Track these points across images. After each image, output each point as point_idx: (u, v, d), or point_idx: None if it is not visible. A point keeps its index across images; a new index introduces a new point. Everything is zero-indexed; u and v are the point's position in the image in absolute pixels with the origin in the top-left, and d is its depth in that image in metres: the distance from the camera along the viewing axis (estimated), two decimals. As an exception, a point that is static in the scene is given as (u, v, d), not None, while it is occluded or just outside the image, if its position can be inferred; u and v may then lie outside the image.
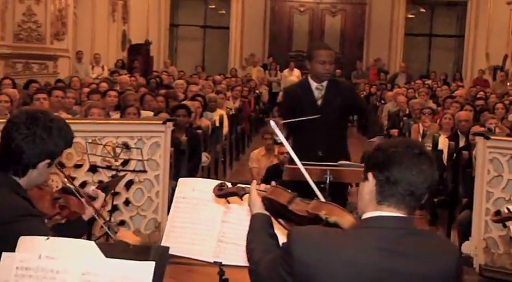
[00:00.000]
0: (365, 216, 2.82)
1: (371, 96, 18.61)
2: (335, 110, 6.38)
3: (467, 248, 7.40)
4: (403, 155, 2.75)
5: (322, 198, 3.34)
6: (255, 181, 3.34)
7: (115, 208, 6.99)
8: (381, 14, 24.71)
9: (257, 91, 20.06)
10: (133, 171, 6.92)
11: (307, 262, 2.72)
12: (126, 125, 7.43)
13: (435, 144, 10.06)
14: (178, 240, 4.15)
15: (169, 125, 7.23)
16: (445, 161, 9.54)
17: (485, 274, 6.98)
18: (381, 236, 2.73)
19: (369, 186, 2.78)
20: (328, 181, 5.67)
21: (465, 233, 7.46)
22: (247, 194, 3.28)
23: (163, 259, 2.86)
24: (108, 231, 3.68)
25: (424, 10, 25.72)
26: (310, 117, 6.13)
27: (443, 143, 9.81)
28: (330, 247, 2.76)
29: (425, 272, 2.72)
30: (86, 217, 3.88)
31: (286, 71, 22.91)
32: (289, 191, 3.19)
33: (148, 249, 2.94)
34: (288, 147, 4.18)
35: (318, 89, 6.42)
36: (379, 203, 2.77)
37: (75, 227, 3.82)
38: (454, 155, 9.07)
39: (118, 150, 6.68)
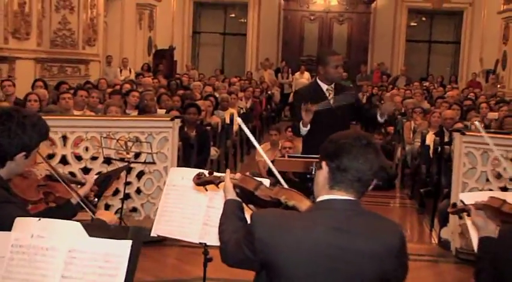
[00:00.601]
0: (318, 199, 2.86)
1: (373, 97, 18.56)
2: (346, 108, 6.47)
3: (445, 233, 7.44)
4: (351, 146, 2.79)
5: (285, 185, 3.37)
6: (228, 170, 3.37)
7: (127, 196, 7.08)
8: (384, 22, 24.56)
9: (269, 92, 20.07)
10: (144, 162, 6.99)
11: (266, 241, 2.76)
12: (137, 121, 7.51)
13: (423, 139, 10.09)
14: (169, 223, 4.21)
15: (177, 121, 7.28)
16: (431, 155, 9.57)
17: (461, 256, 7.00)
18: (332, 216, 2.77)
19: (322, 173, 2.81)
20: (313, 172, 5.71)
21: (444, 220, 7.49)
22: (222, 182, 3.32)
23: (139, 238, 2.91)
24: (93, 216, 3.70)
25: (424, 19, 25.58)
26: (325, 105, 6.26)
27: (430, 139, 9.82)
28: (286, 227, 2.79)
29: (372, 248, 2.74)
30: (74, 200, 3.91)
31: (297, 74, 22.82)
32: (257, 179, 3.26)
33: (126, 229, 3.00)
34: (252, 139, 4.19)
35: (328, 90, 6.46)
36: (330, 188, 2.80)
37: (63, 211, 3.82)
38: (439, 150, 9.07)
39: (130, 144, 6.75)
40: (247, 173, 3.42)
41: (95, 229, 2.91)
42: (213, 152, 9.59)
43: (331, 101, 6.42)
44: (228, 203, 3.19)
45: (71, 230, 2.89)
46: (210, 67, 24.36)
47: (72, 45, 16.83)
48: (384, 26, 24.63)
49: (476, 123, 4.89)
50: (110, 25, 19.54)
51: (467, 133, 7.20)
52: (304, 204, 3.00)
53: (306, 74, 22.87)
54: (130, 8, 20.02)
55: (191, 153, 8.46)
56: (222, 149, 10.54)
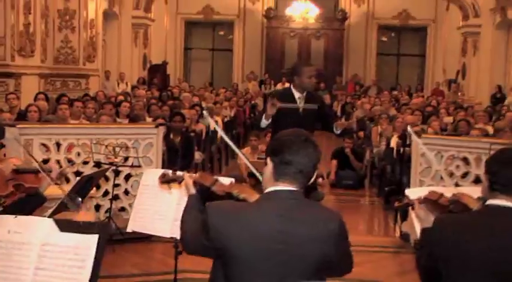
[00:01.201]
0: (266, 191, 2.89)
1: (346, 105, 18.60)
2: (312, 115, 6.47)
3: (405, 227, 7.45)
4: (292, 142, 2.84)
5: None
6: (185, 172, 3.42)
7: (116, 197, 7.06)
8: (357, 37, 24.70)
9: (253, 102, 20.08)
10: (131, 166, 6.97)
11: (219, 228, 2.78)
12: (124, 128, 7.51)
13: (388, 143, 10.14)
14: (143, 219, 4.21)
15: (161, 128, 7.28)
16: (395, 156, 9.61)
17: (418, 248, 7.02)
18: (277, 205, 2.80)
19: (268, 168, 2.86)
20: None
21: (405, 215, 7.49)
22: (184, 180, 3.33)
23: (105, 232, 2.92)
24: (68, 203, 3.69)
25: (393, 34, 25.67)
26: (291, 106, 6.27)
27: (394, 142, 9.86)
28: (236, 215, 2.83)
29: (312, 233, 2.76)
30: (42, 189, 3.90)
31: (279, 85, 22.83)
32: (214, 176, 3.29)
33: (93, 225, 2.99)
34: (224, 136, 4.21)
35: (299, 98, 6.44)
36: (275, 180, 2.83)
37: (31, 201, 3.80)
38: (401, 152, 9.10)
39: (118, 149, 6.73)
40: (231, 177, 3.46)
41: (66, 224, 2.91)
42: (198, 156, 9.57)
43: (301, 109, 6.40)
44: (189, 198, 3.20)
45: (44, 225, 2.90)
46: (200, 80, 24.41)
47: (74, 61, 16.83)
48: (357, 41, 24.76)
49: (409, 128, 4.91)
50: (108, 43, 19.53)
51: (423, 136, 7.23)
52: (254, 196, 3.03)
53: (287, 85, 22.88)
54: (127, 27, 20.01)
55: (176, 157, 8.44)
56: (206, 153, 10.53)
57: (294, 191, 2.83)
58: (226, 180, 3.35)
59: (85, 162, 6.95)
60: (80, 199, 4.36)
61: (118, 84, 18.52)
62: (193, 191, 3.22)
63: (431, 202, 3.31)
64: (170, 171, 3.51)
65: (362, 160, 11.69)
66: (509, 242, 2.85)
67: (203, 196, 3.21)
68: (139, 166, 6.94)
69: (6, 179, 3.96)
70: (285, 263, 2.76)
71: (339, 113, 19.54)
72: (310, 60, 24.57)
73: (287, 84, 22.65)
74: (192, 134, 9.53)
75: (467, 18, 18.97)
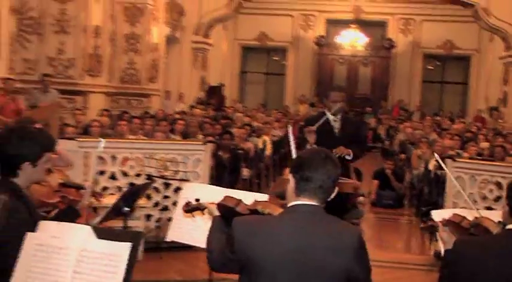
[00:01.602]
0: (288, 205, 2.90)
1: (390, 129, 18.39)
2: (346, 137, 6.27)
3: (438, 246, 7.29)
4: (312, 159, 2.86)
5: None
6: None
7: (166, 208, 7.10)
8: (403, 65, 24.46)
9: (301, 123, 19.96)
10: (180, 180, 7.00)
11: (243, 240, 2.81)
12: (175, 144, 7.56)
13: (426, 165, 9.99)
14: (181, 230, 4.21)
15: (209, 145, 7.31)
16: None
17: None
18: (298, 218, 2.82)
19: (291, 184, 2.88)
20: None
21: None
22: (206, 208, 3.42)
23: (137, 240, 2.91)
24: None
25: (438, 63, 25.33)
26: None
27: (432, 165, 9.70)
28: (260, 228, 2.85)
29: (332, 245, 2.76)
30: (80, 205, 3.92)
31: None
32: (237, 197, 3.30)
33: (127, 233, 3.01)
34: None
35: (334, 120, 6.27)
36: (297, 195, 2.85)
37: (71, 214, 3.76)
38: (438, 174, 8.95)
39: (168, 163, 6.78)
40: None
41: (103, 232, 2.93)
42: (245, 172, 9.58)
43: (336, 130, 6.26)
44: (213, 220, 3.27)
45: (83, 232, 2.93)
46: (255, 101, 24.38)
47: (137, 81, 17.01)
48: (403, 68, 24.50)
49: (435, 155, 4.83)
50: (170, 65, 19.72)
51: (456, 160, 7.09)
52: (277, 211, 3.08)
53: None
54: (187, 51, 20.19)
55: (224, 172, 8.46)
56: (254, 170, 10.52)
57: (314, 205, 2.84)
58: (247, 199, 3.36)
59: (138, 175, 7.00)
60: (126, 208, 4.38)
61: (177, 103, 18.63)
62: (216, 213, 3.28)
63: (454, 224, 3.26)
64: (193, 200, 3.52)
65: (402, 181, 11.53)
66: None
67: (229, 217, 3.21)
68: (187, 180, 6.95)
69: (54, 190, 4.03)
70: (306, 274, 2.75)
71: (383, 136, 19.36)
72: (358, 86, 24.61)
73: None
74: (241, 152, 9.54)
75: (509, 49, 18.59)
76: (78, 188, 4.15)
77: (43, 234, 2.94)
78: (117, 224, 4.59)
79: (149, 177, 6.90)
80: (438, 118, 20.00)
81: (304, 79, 24.99)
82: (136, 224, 6.51)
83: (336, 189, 2.95)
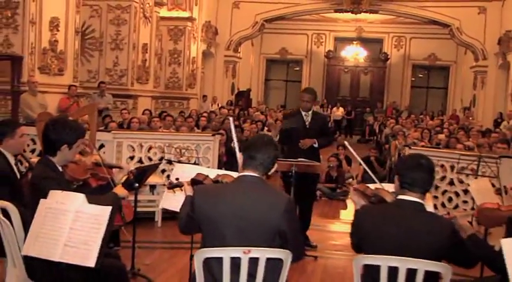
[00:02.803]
0: (237, 175, 3.04)
1: (382, 125, 18.32)
2: (315, 130, 6.33)
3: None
4: (256, 142, 3.00)
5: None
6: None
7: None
8: (396, 74, 24.33)
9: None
10: (194, 164, 7.11)
11: (200, 201, 2.95)
12: (189, 135, 7.65)
13: (399, 153, 9.98)
14: (168, 200, 4.36)
15: (217, 136, 7.43)
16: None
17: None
18: (242, 185, 2.94)
19: (240, 160, 3.03)
20: (293, 171, 5.78)
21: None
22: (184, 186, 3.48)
23: (116, 204, 3.10)
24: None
25: (424, 71, 25.10)
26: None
27: (406, 152, 9.67)
28: (213, 191, 3.02)
29: (267, 205, 2.86)
30: (116, 179, 4.05)
31: (334, 108, 22.76)
32: (205, 174, 3.45)
33: (109, 199, 3.19)
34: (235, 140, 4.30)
35: (306, 115, 6.32)
36: (244, 168, 2.98)
37: (105, 188, 3.87)
38: (405, 160, 8.95)
39: (183, 151, 6.92)
40: None
41: (92, 199, 3.11)
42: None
43: (307, 124, 6.32)
44: (186, 198, 3.29)
45: (79, 199, 3.09)
46: (276, 103, 24.53)
47: (179, 88, 17.31)
48: (396, 76, 24.33)
49: (345, 142, 4.86)
50: (206, 74, 19.95)
51: (412, 147, 7.14)
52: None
53: (340, 109, 22.78)
54: (220, 63, 20.36)
55: (234, 160, 8.57)
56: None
57: (256, 176, 2.95)
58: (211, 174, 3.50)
59: (160, 159, 7.14)
60: (137, 184, 4.53)
61: (212, 105, 18.84)
62: (189, 193, 3.30)
63: (360, 192, 3.35)
64: (175, 181, 3.66)
65: (384, 166, 11.54)
66: (410, 227, 2.85)
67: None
68: (199, 164, 7.08)
69: (87, 168, 4.22)
70: (245, 228, 2.85)
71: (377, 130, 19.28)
72: (359, 91, 24.51)
73: (340, 108, 22.66)
74: (248, 142, 9.66)
75: (477, 60, 18.42)
76: (110, 167, 4.33)
77: (51, 200, 3.10)
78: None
79: (169, 161, 7.12)
80: (421, 116, 19.90)
81: (316, 85, 24.71)
82: (157, 198, 6.68)
83: (276, 166, 3.10)
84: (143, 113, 11.31)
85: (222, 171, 3.70)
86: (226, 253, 2.78)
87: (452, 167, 6.54)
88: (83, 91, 11.54)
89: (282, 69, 26.33)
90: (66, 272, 3.12)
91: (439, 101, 24.54)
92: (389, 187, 3.36)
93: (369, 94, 24.41)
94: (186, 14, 16.93)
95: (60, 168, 3.54)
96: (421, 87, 25.09)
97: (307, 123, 6.32)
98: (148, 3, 14.16)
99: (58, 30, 10.48)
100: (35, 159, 4.73)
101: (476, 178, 5.67)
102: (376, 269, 2.78)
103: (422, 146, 7.77)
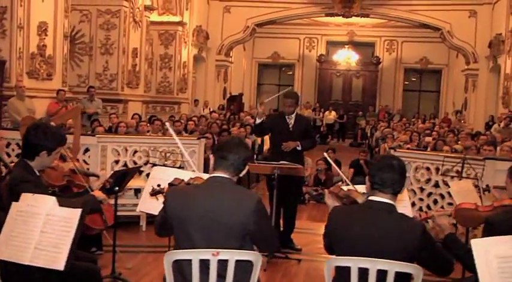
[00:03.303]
0: (207, 177, 3.06)
1: (373, 128, 18.34)
2: (299, 132, 6.32)
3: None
4: (228, 144, 3.01)
5: None
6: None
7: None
8: (388, 77, 24.38)
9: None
10: (178, 167, 7.07)
11: (171, 202, 2.96)
12: (174, 139, 7.59)
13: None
14: (145, 203, 4.35)
15: (202, 140, 7.40)
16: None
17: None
18: (212, 186, 2.95)
19: (211, 161, 3.07)
20: (276, 174, 5.78)
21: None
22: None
23: (86, 207, 3.08)
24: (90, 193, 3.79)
25: (416, 75, 25.15)
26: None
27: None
28: (184, 193, 3.03)
29: (236, 206, 2.86)
30: (93, 187, 4.04)
31: (327, 112, 22.71)
32: (181, 178, 3.47)
33: (79, 202, 3.17)
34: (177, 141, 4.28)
35: (289, 118, 6.29)
36: (214, 169, 2.98)
37: (80, 195, 3.90)
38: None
39: (168, 154, 6.87)
40: None
41: (63, 201, 3.09)
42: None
43: (291, 126, 6.28)
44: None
45: (50, 202, 3.08)
46: (269, 108, 24.44)
47: (170, 92, 17.32)
48: (388, 80, 24.39)
49: (325, 154, 4.83)
50: (198, 78, 19.95)
51: (397, 150, 7.15)
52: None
53: (333, 112, 22.77)
54: (212, 67, 20.33)
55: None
56: (252, 162, 10.55)
57: (226, 177, 2.95)
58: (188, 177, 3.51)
59: (145, 163, 7.11)
60: (117, 188, 4.52)
61: (203, 109, 18.82)
62: None
63: (333, 194, 3.34)
64: (156, 186, 3.66)
65: (373, 169, 11.52)
66: (380, 228, 2.84)
67: None
68: (183, 168, 7.04)
69: (64, 174, 4.19)
70: (212, 230, 2.85)
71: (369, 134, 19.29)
72: (351, 95, 24.54)
73: (332, 112, 22.65)
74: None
75: (468, 63, 18.48)
76: (87, 175, 4.31)
77: (23, 203, 3.09)
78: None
79: (153, 165, 7.05)
80: (413, 119, 19.92)
81: (308, 89, 24.99)
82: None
83: (247, 168, 3.09)
84: (132, 118, 11.31)
85: (196, 174, 3.70)
86: (195, 255, 2.77)
87: (437, 169, 6.53)
88: (72, 96, 11.51)
89: (274, 74, 26.33)
90: (40, 274, 3.10)
91: (431, 104, 24.59)
92: (361, 188, 3.36)
93: (361, 98, 24.44)
94: (176, 19, 16.94)
95: (37, 173, 3.53)
96: (414, 90, 25.14)
97: (290, 125, 6.30)
98: (138, 8, 14.16)
99: (46, 35, 10.47)
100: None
101: (460, 180, 5.67)
102: (347, 270, 2.77)
103: (408, 148, 7.75)
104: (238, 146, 3.00)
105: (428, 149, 8.89)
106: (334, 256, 2.91)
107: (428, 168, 6.70)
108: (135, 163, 7.03)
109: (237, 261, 2.83)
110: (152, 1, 16.02)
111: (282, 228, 6.29)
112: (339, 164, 11.45)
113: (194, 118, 12.07)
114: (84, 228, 4.90)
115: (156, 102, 16.63)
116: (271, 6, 19.49)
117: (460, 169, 5.83)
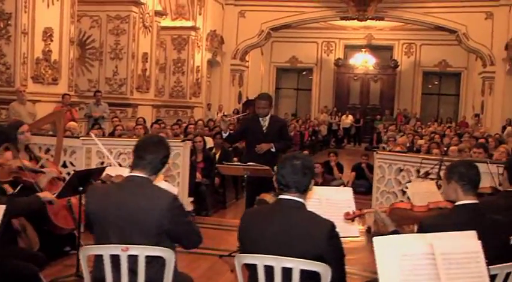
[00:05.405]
0: (126, 176, 3.10)
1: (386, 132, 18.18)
2: (273, 134, 6.31)
3: (368, 222, 7.29)
4: (146, 143, 3.06)
5: None
6: None
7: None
8: (406, 81, 24.16)
9: (316, 128, 19.96)
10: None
11: (90, 200, 3.04)
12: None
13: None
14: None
15: (188, 143, 7.43)
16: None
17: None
18: (128, 185, 2.99)
19: (132, 161, 3.08)
20: (246, 175, 5.78)
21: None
22: None
23: (11, 205, 3.15)
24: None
25: (435, 78, 24.85)
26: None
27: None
28: (100, 191, 3.13)
29: (150, 205, 2.89)
30: (41, 184, 4.11)
31: (344, 116, 22.60)
32: (112, 175, 3.53)
33: (3, 199, 3.26)
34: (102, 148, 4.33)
35: (263, 120, 6.32)
36: (132, 168, 3.03)
37: (28, 190, 4.00)
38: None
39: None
40: None
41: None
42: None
43: (265, 129, 6.30)
44: None
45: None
46: (287, 112, 24.52)
47: (183, 96, 17.46)
48: (406, 83, 24.17)
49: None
50: (212, 83, 20.07)
51: (378, 152, 7.11)
52: None
53: (350, 117, 22.62)
54: (226, 71, 20.41)
55: (211, 167, 8.56)
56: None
57: (143, 176, 2.97)
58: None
59: (130, 166, 7.16)
60: (81, 188, 4.59)
61: (217, 113, 18.90)
62: None
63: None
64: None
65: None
66: (288, 225, 2.82)
67: None
68: (169, 170, 7.11)
69: (11, 171, 4.29)
70: (126, 227, 2.89)
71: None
72: (369, 99, 24.35)
73: (349, 116, 22.48)
74: (230, 149, 9.73)
75: (485, 66, 18.18)
76: (34, 171, 4.42)
77: None
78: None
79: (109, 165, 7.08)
80: (429, 123, 19.68)
81: (326, 93, 24.95)
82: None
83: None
84: (137, 121, 11.42)
85: (121, 169, 3.73)
86: (105, 250, 2.83)
87: (418, 171, 6.48)
88: (79, 100, 11.73)
89: (292, 78, 26.32)
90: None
91: (451, 108, 24.27)
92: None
93: (379, 102, 24.26)
94: (189, 24, 17.11)
95: None
96: (432, 94, 24.85)
97: (264, 128, 6.32)
98: (149, 13, 14.35)
99: (52, 40, 10.69)
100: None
101: (437, 182, 5.61)
102: (254, 268, 2.78)
103: (389, 151, 7.70)
104: (156, 145, 3.03)
105: (422, 152, 8.78)
106: (242, 254, 2.92)
107: (409, 170, 6.65)
108: (120, 165, 7.09)
109: (154, 257, 2.87)
110: (165, 6, 16.23)
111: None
112: (340, 167, 11.44)
113: (200, 122, 12.13)
114: (54, 228, 5.06)
115: (168, 106, 16.78)
116: (286, 11, 19.52)
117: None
